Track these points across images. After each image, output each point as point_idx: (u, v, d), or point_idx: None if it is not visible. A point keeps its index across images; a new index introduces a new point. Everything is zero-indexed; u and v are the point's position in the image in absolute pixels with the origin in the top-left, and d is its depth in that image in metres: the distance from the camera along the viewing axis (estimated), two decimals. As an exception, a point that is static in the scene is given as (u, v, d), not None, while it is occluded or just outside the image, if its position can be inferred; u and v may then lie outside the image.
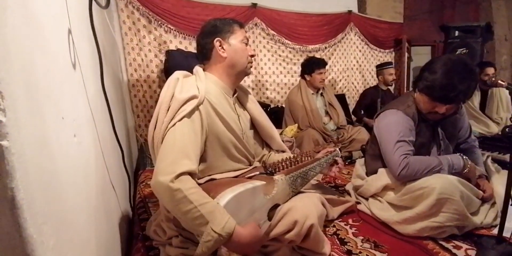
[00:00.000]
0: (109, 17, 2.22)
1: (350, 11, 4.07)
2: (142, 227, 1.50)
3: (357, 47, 4.25)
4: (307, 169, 1.35)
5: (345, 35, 4.11)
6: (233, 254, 1.09)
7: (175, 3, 3.02)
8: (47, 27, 0.74)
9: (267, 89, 3.70)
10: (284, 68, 3.77)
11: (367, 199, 1.73)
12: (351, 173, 2.13)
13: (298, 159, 1.35)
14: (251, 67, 1.37)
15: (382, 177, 1.63)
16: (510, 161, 1.20)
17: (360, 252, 1.33)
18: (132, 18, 2.82)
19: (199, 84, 1.22)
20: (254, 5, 3.43)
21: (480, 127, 3.14)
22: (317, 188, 1.68)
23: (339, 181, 2.19)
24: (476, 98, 3.23)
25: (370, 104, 3.48)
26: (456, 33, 4.13)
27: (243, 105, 1.45)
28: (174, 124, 1.13)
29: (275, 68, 3.73)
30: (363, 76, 4.37)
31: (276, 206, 1.20)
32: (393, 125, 1.56)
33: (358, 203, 1.75)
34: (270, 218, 1.17)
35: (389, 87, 3.57)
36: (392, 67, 3.51)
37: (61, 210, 0.65)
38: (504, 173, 1.65)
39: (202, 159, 1.24)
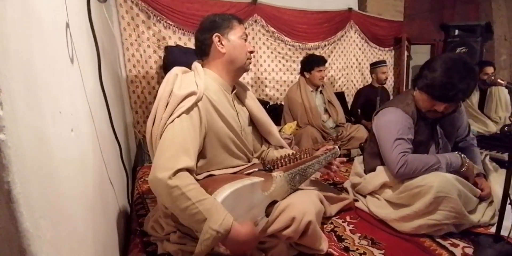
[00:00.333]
0: (107, 12, 2.21)
1: (350, 9, 4.06)
2: (140, 223, 1.50)
3: (356, 45, 4.24)
4: (306, 167, 1.35)
5: (345, 32, 4.10)
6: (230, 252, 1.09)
7: (174, -1, 3.00)
8: (45, 21, 0.73)
9: (266, 86, 3.69)
10: (284, 65, 3.76)
11: (365, 196, 1.73)
12: (349, 170, 2.13)
13: (297, 156, 1.35)
14: (250, 63, 1.37)
15: (380, 175, 1.63)
16: (508, 160, 1.20)
17: (357, 249, 1.34)
18: (130, 13, 2.80)
19: (198, 80, 1.22)
20: (254, 1, 3.41)
21: (479, 126, 3.14)
22: (315, 185, 1.69)
23: (337, 178, 2.20)
24: (475, 97, 3.23)
25: (366, 102, 3.48)
26: (456, 32, 4.13)
27: (242, 102, 1.44)
28: (173, 120, 1.13)
29: (275, 65, 3.72)
30: (362, 74, 4.36)
31: (274, 202, 1.20)
32: (392, 123, 1.56)
33: (356, 200, 1.75)
34: (268, 214, 1.17)
35: (383, 85, 3.57)
36: (385, 65, 3.51)
37: (58, 204, 0.64)
38: (502, 172, 1.66)
39: (201, 155, 1.24)
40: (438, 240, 1.38)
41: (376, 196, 1.66)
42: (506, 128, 1.24)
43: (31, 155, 0.54)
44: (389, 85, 4.61)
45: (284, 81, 3.77)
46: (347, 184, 1.95)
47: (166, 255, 1.23)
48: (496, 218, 1.29)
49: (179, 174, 1.04)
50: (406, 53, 4.36)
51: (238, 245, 1.02)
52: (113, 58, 2.34)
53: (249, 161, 1.41)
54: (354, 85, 4.34)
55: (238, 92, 1.42)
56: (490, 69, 3.06)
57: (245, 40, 1.33)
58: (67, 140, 0.77)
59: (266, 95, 3.70)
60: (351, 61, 4.25)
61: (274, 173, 1.21)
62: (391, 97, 4.13)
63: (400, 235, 1.44)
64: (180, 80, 1.20)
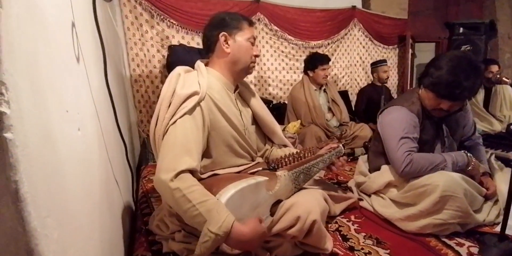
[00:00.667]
0: (111, 11, 2.21)
1: (354, 7, 4.03)
2: (145, 221, 1.50)
3: (360, 43, 4.21)
4: (310, 165, 1.34)
5: (349, 31, 4.07)
6: (236, 250, 1.09)
7: (177, -2, 3.00)
8: (51, 20, 0.73)
9: (269, 85, 3.68)
10: (287, 64, 3.75)
11: (369, 195, 1.73)
12: (353, 170, 2.13)
13: (301, 155, 1.34)
14: (253, 67, 1.35)
15: (385, 174, 1.62)
16: (514, 158, 1.19)
17: (362, 249, 1.33)
18: (134, 12, 2.80)
19: (201, 80, 1.21)
20: (257, 0, 3.40)
21: (484, 124, 3.12)
22: (319, 185, 1.68)
23: (342, 177, 2.19)
24: (480, 96, 3.21)
25: (369, 101, 3.47)
26: (461, 30, 4.10)
27: (245, 101, 1.44)
28: (175, 121, 1.13)
29: (278, 64, 3.70)
30: (366, 72, 4.34)
31: (278, 201, 1.20)
32: (397, 121, 1.55)
33: (361, 199, 1.74)
34: (272, 213, 1.17)
35: (384, 84, 3.56)
36: (386, 64, 3.50)
37: (64, 203, 0.65)
38: (508, 170, 1.65)
39: (205, 155, 1.23)
40: (443, 239, 1.37)
41: (381, 195, 1.65)
42: (511, 126, 1.23)
43: (38, 154, 0.54)
44: (393, 83, 4.58)
45: (288, 80, 3.75)
46: (351, 183, 1.94)
47: (171, 254, 1.23)
48: (501, 217, 1.28)
49: (181, 176, 1.04)
50: (410, 51, 4.33)
51: (242, 244, 1.02)
52: (117, 58, 2.34)
53: (253, 160, 1.41)
54: (358, 83, 4.31)
55: (241, 91, 1.42)
56: (495, 68, 3.04)
57: (253, 43, 1.31)
58: (73, 139, 0.77)
59: (270, 94, 3.70)
60: (354, 60, 4.23)
61: (279, 172, 1.21)
62: (394, 96, 4.11)
63: (405, 234, 1.43)
64: (182, 80, 1.20)
